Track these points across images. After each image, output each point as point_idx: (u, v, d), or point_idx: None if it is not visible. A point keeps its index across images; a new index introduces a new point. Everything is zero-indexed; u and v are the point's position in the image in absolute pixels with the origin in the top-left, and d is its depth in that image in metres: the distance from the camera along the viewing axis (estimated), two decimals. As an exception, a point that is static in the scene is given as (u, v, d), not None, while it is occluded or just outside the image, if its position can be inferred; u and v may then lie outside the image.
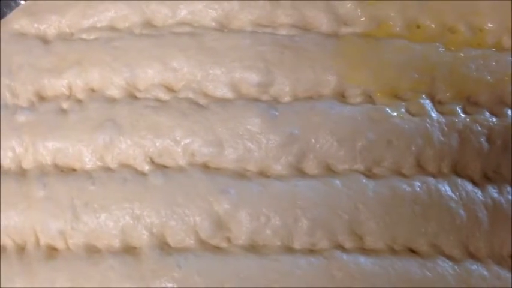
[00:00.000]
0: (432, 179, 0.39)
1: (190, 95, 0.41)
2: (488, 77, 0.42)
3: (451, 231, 0.37)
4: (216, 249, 0.37)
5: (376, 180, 0.39)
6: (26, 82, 0.42)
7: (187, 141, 0.40)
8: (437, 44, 0.44)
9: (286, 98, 0.42)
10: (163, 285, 0.35)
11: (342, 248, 0.37)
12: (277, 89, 0.42)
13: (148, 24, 0.44)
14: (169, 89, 0.42)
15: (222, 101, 0.41)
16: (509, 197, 0.39)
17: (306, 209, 0.37)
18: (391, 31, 0.44)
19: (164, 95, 0.41)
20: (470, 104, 0.42)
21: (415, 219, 0.37)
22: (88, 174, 0.39)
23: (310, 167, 0.39)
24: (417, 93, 0.41)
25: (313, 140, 0.40)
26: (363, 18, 0.44)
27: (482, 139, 0.40)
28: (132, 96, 0.42)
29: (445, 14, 0.44)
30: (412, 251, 0.37)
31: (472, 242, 0.38)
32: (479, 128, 0.40)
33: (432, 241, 0.37)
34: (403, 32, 0.44)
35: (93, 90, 0.42)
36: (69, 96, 0.42)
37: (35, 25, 0.45)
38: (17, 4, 0.47)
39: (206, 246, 0.37)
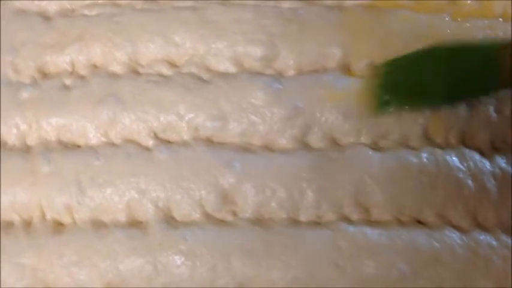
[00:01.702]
0: (439, 150, 0.38)
1: (193, 70, 0.41)
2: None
3: (459, 202, 0.37)
4: (222, 222, 0.37)
5: (382, 153, 0.38)
6: (28, 59, 0.42)
7: (190, 115, 0.39)
8: (443, 14, 0.43)
9: (291, 72, 0.41)
10: (170, 258, 0.35)
11: (348, 220, 0.37)
12: (281, 63, 0.41)
13: (149, -2, 0.44)
14: (172, 64, 0.42)
15: (225, 75, 0.41)
16: (517, 167, 0.38)
17: (312, 181, 0.37)
18: (395, 1, 0.43)
19: (167, 70, 0.41)
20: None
21: (422, 191, 0.37)
22: (93, 150, 0.39)
23: (315, 140, 0.39)
24: (423, 63, 0.41)
25: (318, 113, 0.39)
26: (367, -10, 0.43)
27: (490, 110, 0.39)
28: (134, 72, 0.41)
29: (451, -17, 0.43)
30: (420, 222, 0.37)
31: (480, 212, 0.37)
32: (487, 99, 0.40)
33: (440, 212, 0.37)
34: (408, 2, 0.43)
35: (95, 66, 0.42)
36: (72, 73, 0.42)
37: (36, 2, 0.44)
38: (18, -18, 0.46)
39: (212, 220, 0.37)
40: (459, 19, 0.43)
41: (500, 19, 0.43)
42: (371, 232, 0.36)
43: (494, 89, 0.39)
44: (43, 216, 0.38)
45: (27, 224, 0.38)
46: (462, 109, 0.39)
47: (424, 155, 0.38)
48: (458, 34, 0.42)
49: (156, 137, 0.39)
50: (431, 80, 0.38)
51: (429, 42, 0.41)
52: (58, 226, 0.38)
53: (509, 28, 0.42)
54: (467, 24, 0.42)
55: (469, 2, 0.44)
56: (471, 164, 0.38)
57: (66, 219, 0.38)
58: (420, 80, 0.38)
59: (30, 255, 0.37)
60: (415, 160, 0.38)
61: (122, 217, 0.37)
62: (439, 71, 0.37)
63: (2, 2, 0.45)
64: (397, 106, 0.38)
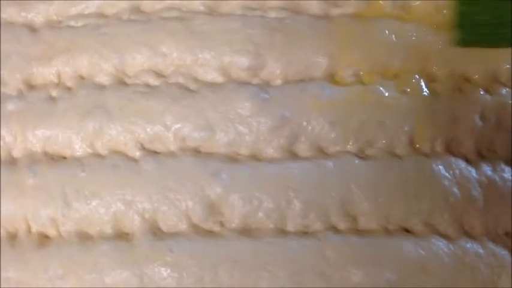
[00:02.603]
0: (425, 158, 0.38)
1: (180, 80, 0.41)
2: (481, 56, 0.42)
3: (445, 210, 0.37)
4: (209, 233, 0.37)
5: (368, 161, 0.38)
6: (14, 70, 0.42)
7: (177, 126, 0.39)
8: (429, 23, 0.43)
9: (277, 81, 0.41)
10: (156, 270, 0.35)
11: (335, 229, 0.37)
12: (267, 72, 0.41)
13: (136, 9, 0.44)
14: (159, 75, 0.42)
15: (212, 85, 0.41)
16: (504, 174, 0.38)
17: (299, 191, 0.37)
18: (381, 11, 0.44)
19: (154, 81, 0.41)
20: (463, 82, 0.41)
21: (408, 199, 0.37)
22: (78, 162, 0.39)
23: (302, 149, 0.39)
24: (409, 72, 0.41)
25: (304, 122, 0.39)
26: (353, -1, 0.43)
27: (475, 117, 0.40)
28: (121, 83, 0.41)
29: (435, -8, 0.43)
30: (407, 231, 0.37)
31: (467, 220, 0.37)
32: (473, 106, 0.40)
33: (426, 220, 0.37)
34: (393, 12, 0.44)
35: (82, 78, 0.42)
36: (58, 84, 0.42)
37: (22, 14, 0.44)
38: (4, -7, 0.46)
39: (198, 231, 0.37)
40: (445, 28, 0.43)
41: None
42: (358, 241, 0.36)
43: None
44: (28, 229, 0.38)
45: (13, 237, 0.38)
46: (447, 117, 0.39)
47: (410, 163, 0.38)
48: (443, 43, 0.42)
49: (142, 148, 0.39)
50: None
51: (414, 51, 0.42)
52: (43, 239, 0.37)
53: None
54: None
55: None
56: (457, 172, 0.38)
57: (51, 232, 0.38)
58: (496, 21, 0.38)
59: (15, 268, 0.36)
60: (401, 168, 0.38)
61: (108, 229, 0.37)
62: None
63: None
64: (473, 44, 0.39)
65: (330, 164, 0.38)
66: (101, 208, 0.37)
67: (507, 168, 0.39)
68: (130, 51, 0.42)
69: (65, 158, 0.39)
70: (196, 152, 0.39)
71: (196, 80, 0.41)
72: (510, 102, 0.40)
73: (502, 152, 0.40)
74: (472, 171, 0.38)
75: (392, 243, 0.36)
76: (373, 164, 0.38)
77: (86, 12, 0.44)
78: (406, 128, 0.39)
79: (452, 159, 0.38)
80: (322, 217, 0.37)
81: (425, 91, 0.40)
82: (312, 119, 0.39)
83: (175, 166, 0.38)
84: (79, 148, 0.39)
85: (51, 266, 0.36)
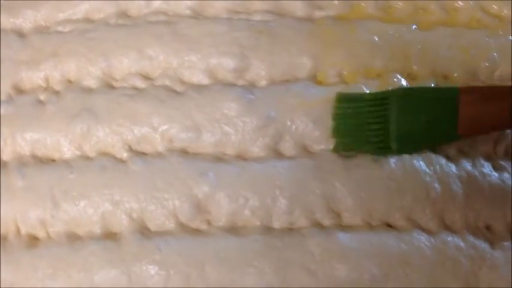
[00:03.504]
0: (407, 155, 0.39)
1: (167, 83, 0.42)
2: (461, 55, 0.43)
3: (427, 205, 0.38)
4: (196, 231, 0.38)
5: (351, 159, 0.39)
6: (3, 75, 0.43)
7: (164, 127, 0.40)
8: (411, 24, 0.44)
9: (263, 82, 0.42)
10: (144, 268, 0.36)
11: (320, 225, 0.38)
12: (253, 74, 0.42)
13: (123, 14, 0.45)
14: (146, 77, 0.42)
15: (199, 87, 0.42)
16: (483, 169, 0.39)
17: (284, 188, 0.38)
18: (364, 13, 0.45)
19: (141, 83, 0.42)
20: (444, 81, 0.42)
21: (390, 195, 0.38)
22: (67, 164, 0.39)
23: (287, 148, 0.40)
24: (391, 72, 0.42)
25: (289, 122, 0.40)
26: (337, 2, 0.44)
27: (455, 114, 0.40)
28: (108, 86, 0.42)
29: (416, -6, 0.44)
30: (389, 226, 0.38)
31: (448, 215, 0.38)
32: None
33: (408, 215, 0.38)
34: (376, 13, 0.45)
35: (70, 82, 0.42)
36: (46, 88, 0.42)
37: (11, 20, 0.45)
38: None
39: (186, 229, 0.38)
40: (425, 28, 0.44)
41: (466, 28, 0.44)
42: (342, 236, 0.37)
43: (451, 138, 0.38)
44: (18, 230, 0.38)
45: (3, 239, 0.38)
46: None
47: (392, 160, 0.39)
48: (425, 43, 0.43)
49: (130, 149, 0.40)
50: (385, 128, 0.37)
51: (396, 51, 0.43)
52: (33, 240, 0.38)
53: (475, 36, 0.44)
54: (434, 33, 0.44)
55: (435, 11, 0.45)
56: (437, 167, 0.39)
57: (40, 233, 0.38)
58: (367, 128, 0.38)
59: (7, 270, 0.37)
60: (383, 165, 0.38)
61: (97, 229, 0.38)
62: (393, 118, 0.37)
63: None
64: (347, 149, 0.39)
65: (314, 162, 0.39)
66: (90, 209, 0.38)
67: (487, 164, 0.40)
68: (118, 55, 0.42)
69: (53, 160, 0.40)
70: (184, 152, 0.40)
71: (182, 82, 0.42)
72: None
73: (483, 148, 0.41)
74: (452, 167, 0.39)
75: (375, 238, 0.37)
76: (355, 161, 0.39)
77: (74, 17, 0.45)
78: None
79: (433, 155, 0.39)
80: (307, 214, 0.38)
81: (407, 90, 0.41)
82: (296, 119, 0.40)
83: (162, 166, 0.39)
84: (67, 150, 0.40)
85: (40, 266, 0.36)
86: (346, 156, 0.39)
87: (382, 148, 0.38)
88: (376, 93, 0.39)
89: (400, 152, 0.38)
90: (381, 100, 0.38)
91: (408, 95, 0.39)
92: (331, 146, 0.39)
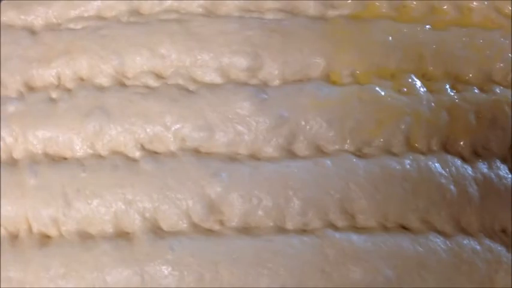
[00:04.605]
0: (422, 156, 0.39)
1: (180, 81, 0.42)
2: (475, 55, 0.43)
3: (442, 207, 0.37)
4: (209, 231, 0.37)
5: (366, 160, 0.39)
6: (14, 73, 0.42)
7: (177, 126, 0.40)
8: (424, 24, 0.44)
9: (275, 82, 0.42)
10: (157, 268, 0.36)
11: (334, 226, 0.37)
12: (266, 73, 0.42)
13: (135, 12, 0.44)
14: (158, 76, 0.42)
15: (211, 86, 0.41)
16: (500, 172, 0.39)
17: (298, 189, 0.38)
18: (378, 12, 0.44)
19: (153, 82, 0.42)
20: (459, 82, 0.42)
21: (405, 197, 0.37)
22: (79, 162, 0.39)
23: (301, 148, 0.40)
24: (405, 72, 0.42)
25: (302, 122, 0.40)
26: (350, 1, 0.44)
27: (470, 116, 0.40)
28: (121, 84, 0.42)
29: (431, -7, 0.44)
30: (404, 228, 0.38)
31: (463, 217, 0.38)
32: (468, 105, 0.40)
33: (423, 217, 0.37)
34: (390, 13, 0.44)
35: (82, 79, 0.42)
36: (58, 86, 0.42)
37: (22, 17, 0.45)
38: (3, -3, 0.47)
39: (199, 229, 0.37)
40: (440, 28, 0.44)
41: (480, 28, 0.44)
42: (357, 238, 0.37)
43: None
44: (30, 229, 0.38)
45: (14, 237, 0.38)
46: (443, 116, 0.40)
47: (407, 161, 0.38)
48: (439, 43, 0.43)
49: (142, 148, 0.40)
50: None
51: (410, 51, 0.42)
52: (44, 239, 0.38)
53: (490, 36, 0.43)
54: (448, 33, 0.43)
55: (449, 11, 0.45)
56: (453, 169, 0.38)
57: (52, 231, 0.38)
58: None
59: (17, 268, 0.37)
60: (398, 167, 0.38)
61: (109, 228, 0.37)
62: None
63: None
64: None
65: (328, 162, 0.39)
66: (102, 208, 0.37)
67: (503, 166, 0.39)
68: (130, 53, 0.42)
69: (65, 158, 0.40)
70: (196, 152, 0.40)
71: (195, 81, 0.42)
72: (504, 100, 0.41)
73: (498, 150, 0.40)
74: (468, 169, 0.39)
75: (390, 240, 0.36)
76: (370, 162, 0.38)
77: (86, 15, 0.44)
78: (402, 127, 0.39)
79: (449, 157, 0.39)
80: (321, 215, 0.37)
81: (422, 90, 0.41)
82: (309, 119, 0.40)
83: (175, 166, 0.39)
84: (79, 149, 0.40)
85: (52, 266, 0.36)
86: (361, 157, 0.39)
87: None
88: None
89: None
90: None
91: None
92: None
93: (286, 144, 0.40)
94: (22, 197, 0.38)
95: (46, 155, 0.40)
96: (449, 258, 0.36)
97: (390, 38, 0.43)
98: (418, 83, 0.41)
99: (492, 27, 0.44)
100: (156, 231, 0.37)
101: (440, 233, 0.37)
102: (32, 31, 0.44)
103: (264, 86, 0.41)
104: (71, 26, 0.44)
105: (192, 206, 0.37)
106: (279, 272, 0.35)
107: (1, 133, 0.40)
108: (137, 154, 0.39)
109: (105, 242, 0.37)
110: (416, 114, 0.40)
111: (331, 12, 0.44)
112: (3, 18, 0.45)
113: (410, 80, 0.41)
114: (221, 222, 0.38)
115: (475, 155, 0.40)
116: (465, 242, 0.37)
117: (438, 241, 0.36)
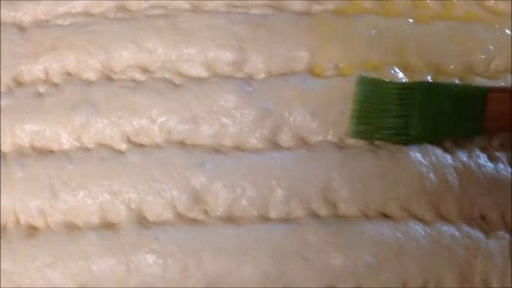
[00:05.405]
0: (403, 146, 0.39)
1: (166, 75, 0.42)
2: (457, 47, 0.43)
3: (422, 195, 0.38)
4: (194, 221, 0.38)
5: (348, 150, 0.39)
6: (3, 69, 0.43)
7: (163, 119, 0.40)
8: (407, 17, 0.45)
9: (261, 75, 0.42)
10: (142, 257, 0.36)
11: (316, 215, 0.38)
12: (251, 66, 0.42)
13: (122, 8, 0.45)
14: (145, 70, 0.43)
15: (197, 80, 0.42)
16: (479, 160, 0.40)
17: (281, 179, 0.38)
18: (362, 7, 0.45)
19: (140, 76, 0.42)
20: (440, 73, 0.43)
21: (386, 185, 0.38)
22: (66, 155, 0.40)
23: (285, 140, 0.40)
24: (387, 64, 0.42)
25: (286, 114, 0.40)
26: (335, -4, 0.45)
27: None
28: (108, 78, 0.42)
29: (413, -12, 0.45)
30: (385, 216, 0.38)
31: (443, 205, 0.38)
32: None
33: (404, 205, 0.38)
34: (373, 8, 0.45)
35: (69, 74, 0.43)
36: (46, 81, 0.43)
37: (11, 13, 0.46)
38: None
39: (184, 219, 0.38)
40: (422, 21, 0.44)
41: (462, 21, 0.45)
42: (338, 226, 0.37)
43: (473, 132, 0.39)
44: (17, 220, 0.38)
45: (2, 229, 0.38)
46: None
47: (388, 151, 0.39)
48: (421, 36, 0.43)
49: (129, 140, 0.40)
50: (406, 115, 0.38)
51: (392, 44, 0.43)
52: (32, 230, 0.38)
53: (471, 29, 0.44)
54: (430, 26, 0.44)
55: (432, 5, 0.45)
56: (433, 158, 0.39)
57: (39, 223, 0.38)
58: (387, 114, 0.38)
59: (6, 259, 0.37)
60: (379, 156, 0.39)
61: (95, 219, 0.38)
62: (417, 106, 0.38)
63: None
64: (369, 137, 0.39)
65: (311, 153, 0.39)
66: (88, 199, 0.38)
67: (482, 155, 0.40)
68: (117, 48, 0.43)
69: (52, 151, 0.40)
70: (182, 144, 0.40)
71: (181, 74, 0.42)
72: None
73: (479, 140, 0.41)
74: (448, 158, 0.39)
75: (371, 228, 0.37)
76: (352, 152, 0.39)
77: (73, 11, 0.45)
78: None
79: (429, 146, 0.39)
80: (303, 204, 0.38)
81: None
82: (293, 111, 0.40)
83: (160, 158, 0.39)
84: (66, 142, 0.40)
85: (39, 255, 0.36)
86: (343, 147, 0.39)
87: (400, 135, 0.39)
88: (403, 83, 0.40)
89: (418, 139, 0.39)
90: (406, 89, 0.39)
91: (434, 87, 0.39)
92: (348, 129, 0.39)
93: (270, 136, 0.40)
94: (10, 190, 0.39)
95: (33, 148, 0.40)
96: (428, 245, 0.37)
97: (373, 31, 0.43)
98: (400, 75, 0.42)
99: (474, 20, 0.45)
100: (142, 221, 0.38)
101: (420, 220, 0.38)
102: (20, 27, 0.45)
103: (249, 79, 0.42)
104: (59, 22, 0.45)
105: (177, 197, 0.38)
106: (262, 260, 0.36)
107: (-9, 127, 0.41)
108: (123, 146, 0.40)
109: (91, 232, 0.37)
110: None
111: (316, 7, 0.45)
112: (-5, 16, 0.46)
113: (392, 72, 0.42)
114: (206, 212, 0.38)
115: (455, 145, 0.40)
116: (444, 228, 0.37)
117: (418, 228, 0.37)
